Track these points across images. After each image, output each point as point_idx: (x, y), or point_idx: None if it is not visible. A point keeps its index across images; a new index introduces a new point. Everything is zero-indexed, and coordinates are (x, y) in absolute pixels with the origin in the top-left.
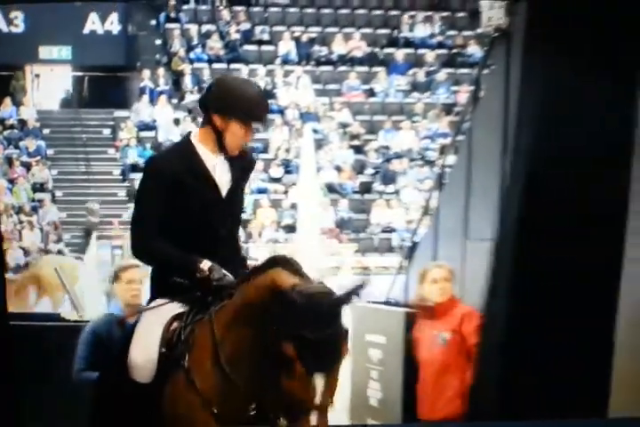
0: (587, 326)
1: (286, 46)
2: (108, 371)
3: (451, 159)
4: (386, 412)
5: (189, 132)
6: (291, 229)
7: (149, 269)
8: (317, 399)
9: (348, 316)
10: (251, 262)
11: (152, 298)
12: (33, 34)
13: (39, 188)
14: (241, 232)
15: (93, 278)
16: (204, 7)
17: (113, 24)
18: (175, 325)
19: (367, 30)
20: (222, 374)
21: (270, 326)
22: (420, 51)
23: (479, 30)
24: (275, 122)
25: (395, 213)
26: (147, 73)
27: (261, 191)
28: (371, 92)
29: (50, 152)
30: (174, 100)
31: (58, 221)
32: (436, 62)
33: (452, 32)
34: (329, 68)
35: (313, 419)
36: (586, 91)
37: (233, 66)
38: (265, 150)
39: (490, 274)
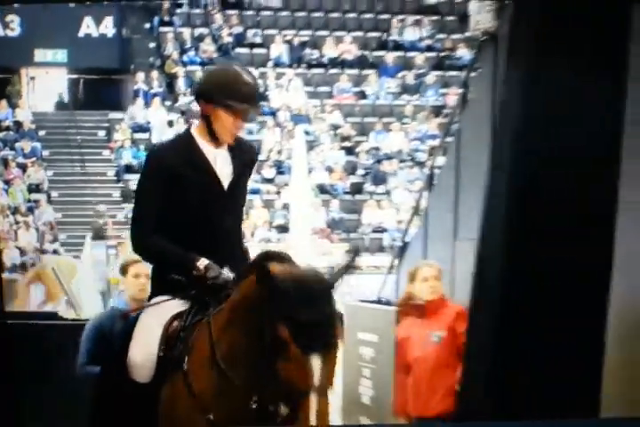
0: (577, 326)
1: (278, 49)
2: (107, 369)
3: (440, 160)
4: (377, 409)
5: (190, 124)
6: (283, 229)
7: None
8: (315, 380)
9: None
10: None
11: (153, 295)
12: (29, 37)
13: (35, 188)
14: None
15: (88, 278)
16: (197, 11)
17: (107, 27)
18: (175, 325)
19: (358, 33)
20: (220, 375)
21: (264, 314)
22: (410, 54)
23: (468, 34)
24: (267, 124)
25: (385, 214)
26: (141, 76)
27: (254, 192)
28: (361, 95)
29: (45, 153)
30: (168, 103)
31: (53, 221)
32: (425, 65)
33: (441, 35)
34: (320, 70)
35: (313, 401)
36: (572, 90)
37: None
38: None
39: (476, 273)
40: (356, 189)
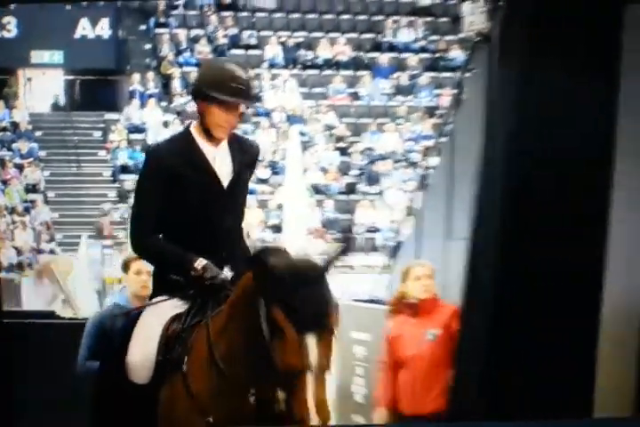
0: (570, 326)
1: (273, 50)
2: (106, 368)
3: (434, 161)
4: (370, 407)
5: (190, 123)
6: (277, 229)
7: None
8: (312, 360)
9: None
10: None
11: (154, 294)
12: (25, 39)
13: (31, 189)
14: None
15: (84, 277)
16: (192, 12)
17: (103, 29)
18: (174, 326)
19: (352, 35)
20: (219, 375)
21: (260, 301)
22: (404, 55)
23: (461, 35)
24: (262, 124)
25: (379, 214)
26: (136, 77)
27: (249, 192)
28: (356, 96)
29: (42, 154)
30: (163, 103)
31: (50, 221)
32: (419, 66)
33: (434, 37)
34: (315, 71)
35: (310, 382)
36: (564, 91)
37: None
38: None
39: (468, 273)
40: (351, 189)
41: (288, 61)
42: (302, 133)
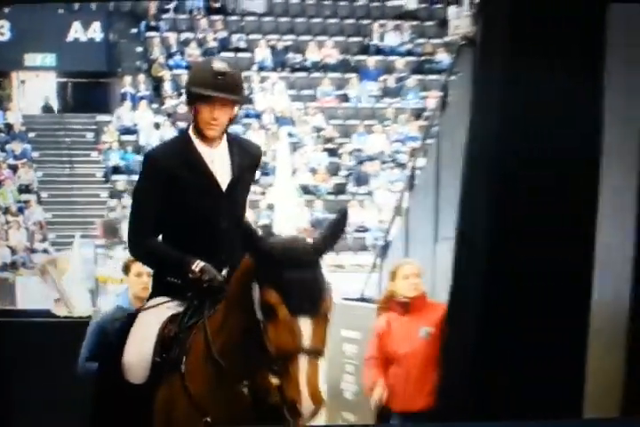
0: (558, 326)
1: (262, 54)
2: (104, 368)
3: (420, 162)
4: (360, 404)
5: (189, 125)
6: (268, 229)
7: None
8: (305, 341)
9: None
10: None
11: (152, 295)
12: (19, 42)
13: (25, 189)
14: None
15: (77, 276)
16: (182, 16)
17: (95, 32)
18: (171, 327)
19: (339, 38)
20: (217, 372)
21: (253, 283)
22: (391, 58)
23: (447, 38)
24: (251, 126)
25: (368, 214)
26: (128, 79)
27: None
28: (344, 98)
29: (35, 155)
30: (154, 105)
31: (43, 220)
32: (405, 69)
33: (420, 40)
34: (303, 74)
35: (303, 363)
36: (547, 91)
37: None
38: None
39: (455, 273)
40: (339, 189)
41: (277, 64)
42: (291, 135)
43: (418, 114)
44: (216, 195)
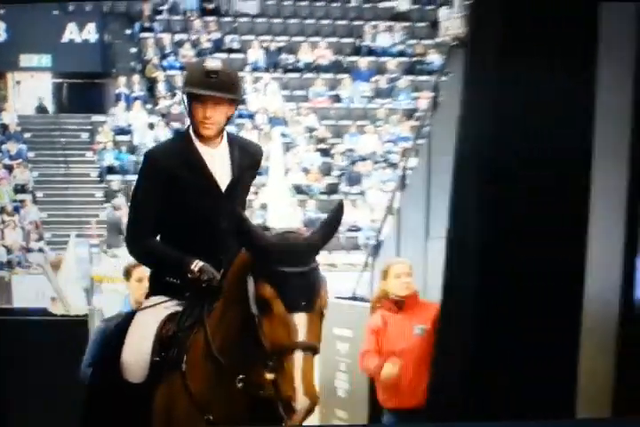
0: (550, 326)
1: (255, 54)
2: (100, 369)
3: (412, 162)
4: (353, 402)
5: (189, 125)
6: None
7: None
8: (300, 337)
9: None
10: None
11: (149, 295)
12: (14, 43)
13: (20, 189)
14: None
15: (72, 275)
16: (176, 17)
17: (90, 33)
18: (169, 326)
19: (332, 39)
20: (217, 369)
21: (249, 278)
22: (383, 59)
23: (438, 39)
24: (245, 126)
25: (360, 213)
26: (122, 80)
27: None
28: (336, 98)
29: (31, 155)
30: (149, 106)
31: (38, 220)
32: (397, 70)
33: (412, 41)
34: (296, 75)
35: (298, 359)
36: (538, 91)
37: None
38: None
39: (446, 272)
40: (332, 189)
41: (270, 65)
42: (284, 135)
43: (409, 114)
44: (215, 195)
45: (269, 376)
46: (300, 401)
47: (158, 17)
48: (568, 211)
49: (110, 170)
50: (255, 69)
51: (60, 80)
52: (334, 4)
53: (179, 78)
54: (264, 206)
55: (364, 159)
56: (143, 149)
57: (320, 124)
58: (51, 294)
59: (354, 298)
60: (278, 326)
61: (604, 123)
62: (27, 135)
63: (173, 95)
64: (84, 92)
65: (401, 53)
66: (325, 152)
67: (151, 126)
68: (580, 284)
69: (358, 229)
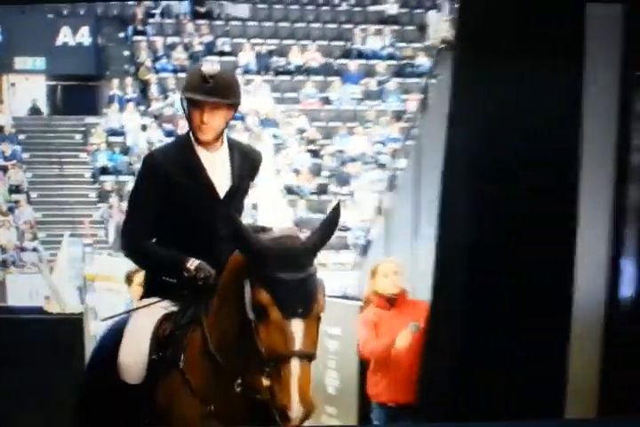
0: (539, 325)
1: (246, 57)
2: (95, 370)
3: (401, 163)
4: (342, 399)
5: (190, 129)
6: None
7: None
8: (296, 344)
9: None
10: None
11: (144, 296)
12: (9, 46)
13: (15, 189)
14: None
15: (66, 274)
16: (169, 21)
17: (84, 36)
18: (166, 325)
19: (322, 42)
20: (215, 367)
21: (244, 280)
22: (372, 61)
23: (427, 42)
24: (236, 128)
25: (349, 213)
26: (115, 82)
27: None
28: (326, 100)
29: (25, 156)
30: (141, 108)
31: (33, 220)
32: (386, 72)
33: (401, 44)
34: (287, 77)
35: (295, 366)
36: (526, 91)
37: None
38: None
39: (436, 272)
40: (322, 189)
41: (261, 68)
42: (275, 136)
43: (399, 116)
44: (213, 201)
45: (266, 382)
46: (295, 410)
47: (151, 20)
48: (557, 210)
49: (103, 171)
50: (246, 72)
51: (54, 82)
52: (324, 8)
53: (171, 81)
54: (255, 207)
55: (353, 160)
56: (136, 150)
57: (310, 125)
58: (45, 293)
59: (343, 296)
60: (275, 332)
61: (590, 123)
62: (21, 137)
63: (166, 97)
64: (77, 94)
65: (390, 56)
66: (316, 153)
67: (144, 128)
68: (569, 283)
69: (348, 229)
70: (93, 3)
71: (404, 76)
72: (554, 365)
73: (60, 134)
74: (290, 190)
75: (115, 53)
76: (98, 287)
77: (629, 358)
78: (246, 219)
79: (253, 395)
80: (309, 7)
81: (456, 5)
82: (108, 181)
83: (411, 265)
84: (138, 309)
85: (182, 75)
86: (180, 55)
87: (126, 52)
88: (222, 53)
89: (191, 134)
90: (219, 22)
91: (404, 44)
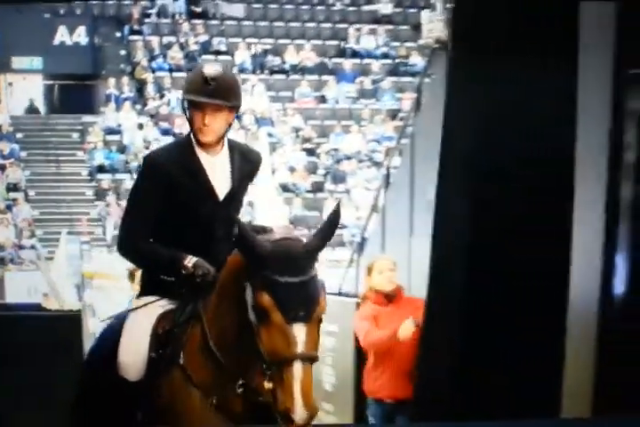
0: (535, 325)
1: (242, 56)
2: (94, 369)
3: (396, 161)
4: (338, 395)
5: (190, 131)
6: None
7: None
8: (299, 348)
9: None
10: None
11: (141, 294)
12: (6, 45)
13: (13, 187)
14: None
15: (63, 271)
16: (165, 20)
17: (81, 36)
18: (164, 323)
19: (317, 42)
20: (216, 366)
21: (245, 283)
22: (366, 61)
23: (420, 42)
24: (232, 126)
25: (345, 211)
26: (112, 81)
27: None
28: (321, 99)
29: (23, 155)
30: (138, 106)
31: (31, 218)
32: (381, 71)
33: (395, 43)
34: (282, 76)
35: (297, 369)
36: (520, 90)
37: None
38: None
39: (432, 270)
40: (317, 187)
41: (256, 67)
42: (271, 135)
43: (393, 115)
44: (212, 203)
45: (268, 385)
46: (299, 413)
47: (147, 20)
48: (552, 209)
49: (100, 169)
50: (242, 71)
51: (52, 82)
52: (319, 8)
53: (167, 80)
54: (251, 204)
55: (348, 158)
56: (132, 149)
57: (306, 124)
58: (43, 290)
59: (339, 294)
60: (277, 336)
61: (584, 122)
62: (19, 135)
63: (162, 96)
64: (74, 93)
65: (384, 55)
66: (311, 151)
67: (140, 126)
68: (565, 282)
69: (344, 227)
70: (90, 2)
71: (398, 74)
72: (549, 362)
73: (58, 133)
74: (285, 188)
75: (111, 53)
76: (96, 285)
77: (623, 356)
78: (243, 217)
79: (255, 398)
80: (304, 7)
81: (449, 5)
82: (105, 179)
83: (406, 262)
84: (136, 309)
85: (178, 74)
86: (175, 54)
87: (123, 52)
88: (218, 53)
89: (192, 136)
90: (214, 22)
91: (397, 44)
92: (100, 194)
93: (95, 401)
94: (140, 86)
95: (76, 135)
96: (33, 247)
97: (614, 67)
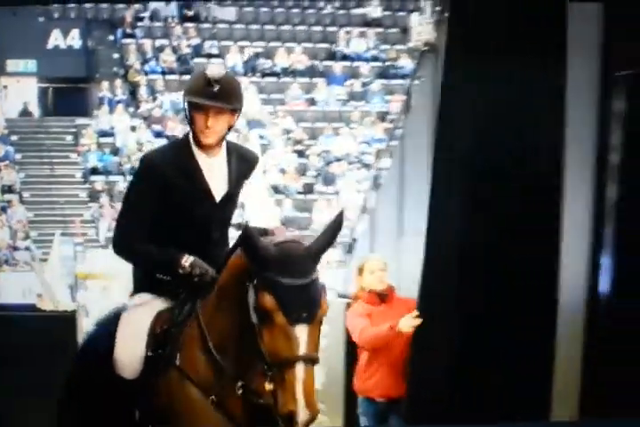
0: (526, 325)
1: (233, 59)
2: (88, 366)
3: (385, 162)
4: (329, 394)
5: (189, 131)
6: (239, 227)
7: None
8: (301, 349)
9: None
10: None
11: (135, 293)
12: (1, 49)
13: (8, 189)
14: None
15: (57, 272)
16: (157, 24)
17: (74, 39)
18: (161, 322)
19: (308, 45)
20: (215, 366)
21: (248, 285)
22: (356, 63)
23: (410, 44)
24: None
25: (335, 212)
26: (105, 84)
27: None
28: (312, 101)
29: (17, 157)
30: (131, 109)
31: (25, 220)
32: (370, 74)
33: (385, 46)
34: (273, 79)
35: (299, 371)
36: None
37: (185, 77)
38: None
39: (424, 270)
40: (308, 189)
41: (248, 69)
42: (262, 137)
43: (382, 117)
44: (209, 205)
45: (268, 387)
46: (302, 415)
47: (140, 23)
48: (541, 209)
49: (94, 171)
50: (234, 74)
51: (46, 85)
52: (309, 11)
53: (160, 82)
54: (242, 205)
55: (338, 160)
56: (125, 151)
57: (296, 126)
58: (38, 291)
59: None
60: (279, 337)
61: (572, 123)
62: (13, 138)
63: (154, 99)
64: (68, 96)
65: (374, 58)
66: (301, 153)
67: (133, 129)
68: (554, 281)
69: None
70: (83, 6)
71: (387, 77)
72: (540, 361)
73: (52, 135)
74: (276, 190)
75: (104, 56)
76: (90, 285)
77: (611, 355)
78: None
79: (255, 399)
80: (295, 10)
81: (438, 8)
82: (99, 181)
83: (395, 262)
84: (132, 306)
85: (171, 77)
86: (168, 57)
87: (116, 55)
88: (210, 55)
89: (191, 138)
90: (206, 25)
91: (387, 47)
92: (94, 196)
93: (88, 397)
94: (133, 89)
95: (69, 138)
96: (27, 249)
97: (601, 69)
